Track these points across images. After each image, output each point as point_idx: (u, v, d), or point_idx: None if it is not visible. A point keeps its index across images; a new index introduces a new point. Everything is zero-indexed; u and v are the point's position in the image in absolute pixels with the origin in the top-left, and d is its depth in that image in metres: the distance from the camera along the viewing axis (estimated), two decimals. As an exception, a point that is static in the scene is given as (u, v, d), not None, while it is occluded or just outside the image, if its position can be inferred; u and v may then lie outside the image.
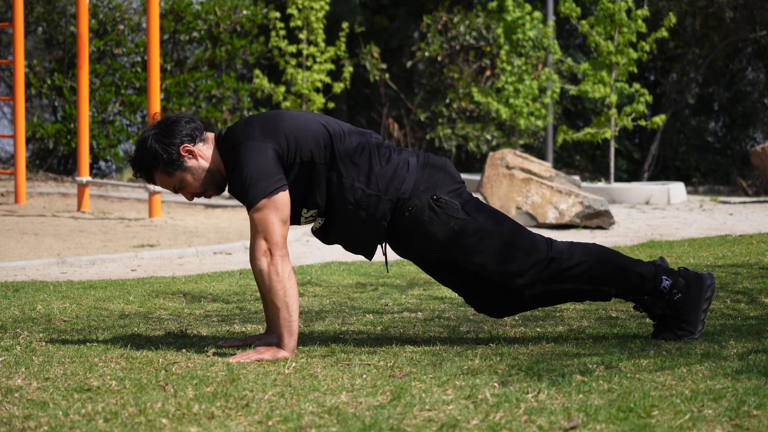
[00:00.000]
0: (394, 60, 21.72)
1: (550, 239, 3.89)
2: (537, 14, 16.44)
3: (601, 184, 14.61)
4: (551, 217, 10.77)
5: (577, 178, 12.18)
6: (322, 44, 15.48)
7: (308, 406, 2.99)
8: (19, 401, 3.08)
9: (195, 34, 16.67)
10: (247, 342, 3.97)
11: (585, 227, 10.69)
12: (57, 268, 7.33)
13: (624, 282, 3.89)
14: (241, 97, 16.53)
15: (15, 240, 8.87)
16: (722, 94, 23.18)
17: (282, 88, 15.48)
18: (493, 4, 16.85)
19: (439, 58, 19.59)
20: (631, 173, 22.47)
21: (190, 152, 3.83)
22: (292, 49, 15.28)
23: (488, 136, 18.69)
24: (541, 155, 19.27)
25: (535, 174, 11.05)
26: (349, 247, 3.93)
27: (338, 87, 15.80)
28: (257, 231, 3.68)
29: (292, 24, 15.47)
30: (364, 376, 3.40)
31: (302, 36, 15.46)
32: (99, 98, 15.87)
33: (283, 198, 3.68)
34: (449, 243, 3.80)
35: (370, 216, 3.79)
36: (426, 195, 3.79)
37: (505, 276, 3.84)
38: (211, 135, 3.89)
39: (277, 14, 15.74)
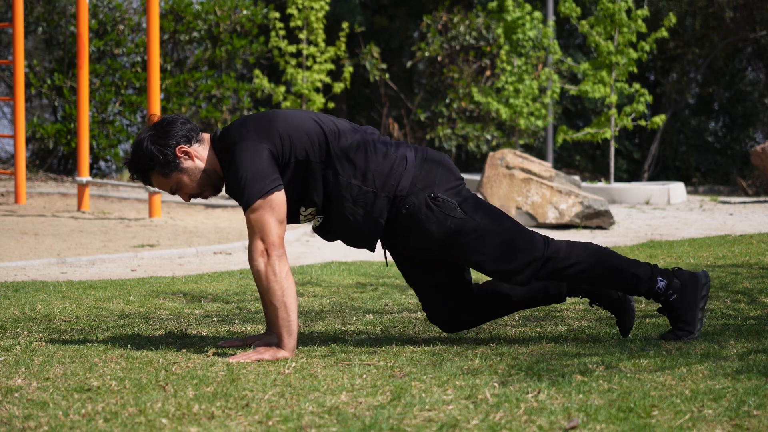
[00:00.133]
0: (394, 60, 21.72)
1: (548, 238, 3.89)
2: (537, 14, 16.44)
3: (601, 184, 14.61)
4: (551, 217, 10.77)
5: (577, 178, 12.18)
6: (322, 44, 15.48)
7: (308, 406, 2.99)
8: (19, 401, 3.08)
9: (195, 34, 16.67)
10: (247, 342, 3.97)
11: (585, 227, 10.69)
12: (57, 268, 7.33)
13: (619, 282, 3.90)
14: (241, 97, 16.53)
15: (15, 240, 8.87)
16: (722, 94, 23.17)
17: (282, 88, 15.48)
18: (493, 4, 16.84)
19: (439, 58, 19.59)
20: (631, 173, 22.47)
21: (186, 153, 3.82)
22: (292, 49, 15.28)
23: (488, 136, 18.69)
24: (541, 155, 19.27)
25: (535, 174, 11.05)
26: (350, 243, 3.94)
27: (338, 87, 15.80)
28: (254, 232, 3.68)
29: (292, 24, 15.48)
30: (364, 376, 3.39)
31: (302, 36, 15.46)
32: (99, 98, 15.87)
33: (279, 198, 3.68)
34: (447, 241, 3.80)
35: (368, 213, 3.78)
36: (423, 193, 3.78)
37: (502, 274, 3.84)
38: (206, 136, 3.88)
39: (277, 14, 15.74)
